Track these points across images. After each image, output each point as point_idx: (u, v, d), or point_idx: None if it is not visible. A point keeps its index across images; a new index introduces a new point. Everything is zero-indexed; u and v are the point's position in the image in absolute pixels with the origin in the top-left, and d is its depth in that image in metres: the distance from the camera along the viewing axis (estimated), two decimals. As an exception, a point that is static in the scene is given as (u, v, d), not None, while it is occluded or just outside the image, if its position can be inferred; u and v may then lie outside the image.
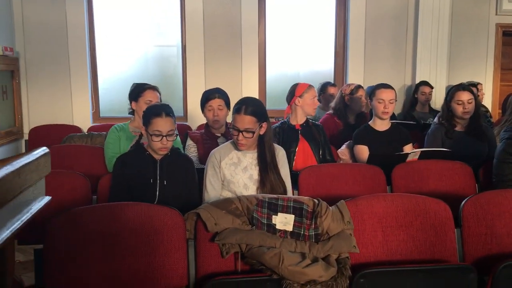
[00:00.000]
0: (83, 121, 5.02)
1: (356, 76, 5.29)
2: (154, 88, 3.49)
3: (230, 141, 2.86)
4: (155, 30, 5.31)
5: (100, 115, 5.22)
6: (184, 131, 4.81)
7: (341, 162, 3.81)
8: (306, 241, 2.15)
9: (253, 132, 2.66)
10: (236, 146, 2.76)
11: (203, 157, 3.43)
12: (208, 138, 3.53)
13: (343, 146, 3.86)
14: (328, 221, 2.19)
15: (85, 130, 4.89)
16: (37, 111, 4.98)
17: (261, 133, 2.74)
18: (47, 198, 1.12)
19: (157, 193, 2.68)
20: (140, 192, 2.67)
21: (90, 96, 5.10)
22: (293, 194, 2.94)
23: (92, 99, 5.15)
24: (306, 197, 2.25)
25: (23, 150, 4.86)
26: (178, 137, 3.58)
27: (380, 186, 3.04)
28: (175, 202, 2.67)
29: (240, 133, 2.65)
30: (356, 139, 3.66)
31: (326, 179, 3.02)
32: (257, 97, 5.15)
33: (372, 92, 3.71)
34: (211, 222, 2.14)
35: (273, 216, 2.17)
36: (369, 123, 3.73)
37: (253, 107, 2.69)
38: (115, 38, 5.24)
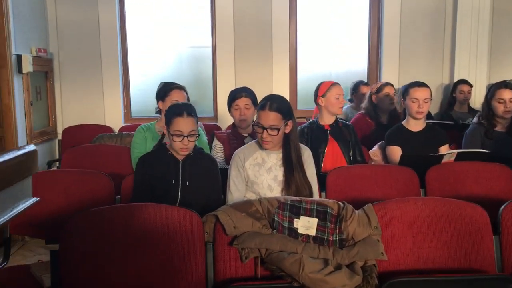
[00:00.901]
0: (115, 121, 5.02)
1: (390, 75, 5.08)
2: (181, 88, 3.42)
3: (255, 140, 2.75)
4: (188, 31, 5.26)
5: (132, 115, 5.21)
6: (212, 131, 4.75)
7: (372, 163, 3.64)
8: (329, 246, 2.01)
9: (278, 130, 2.55)
10: (261, 145, 2.64)
11: (229, 157, 3.32)
12: (235, 138, 3.43)
13: (375, 147, 3.69)
14: (353, 226, 2.04)
15: (116, 130, 4.88)
16: (70, 111, 5.01)
17: (287, 131, 2.62)
18: (33, 200, 1.02)
19: (179, 194, 2.60)
20: (162, 193, 2.59)
21: (121, 96, 5.10)
22: (320, 196, 2.80)
23: (124, 100, 5.14)
24: (330, 200, 2.11)
25: (57, 150, 4.90)
26: (205, 137, 3.50)
27: (413, 189, 2.86)
28: (197, 203, 2.59)
29: (265, 130, 2.54)
30: (389, 139, 3.48)
31: (356, 181, 2.87)
32: (287, 97, 5.03)
33: (405, 90, 3.52)
34: (230, 225, 2.03)
35: (295, 220, 2.05)
36: (402, 123, 3.54)
37: (278, 103, 2.57)
38: (147, 39, 5.22)
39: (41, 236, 2.89)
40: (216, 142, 3.45)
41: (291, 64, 5.17)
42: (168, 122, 2.57)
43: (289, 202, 2.09)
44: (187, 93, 3.48)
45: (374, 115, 4.17)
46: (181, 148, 2.56)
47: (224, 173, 2.77)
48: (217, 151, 3.41)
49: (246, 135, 3.44)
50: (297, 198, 2.12)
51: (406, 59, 5.13)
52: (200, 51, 5.26)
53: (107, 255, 2.03)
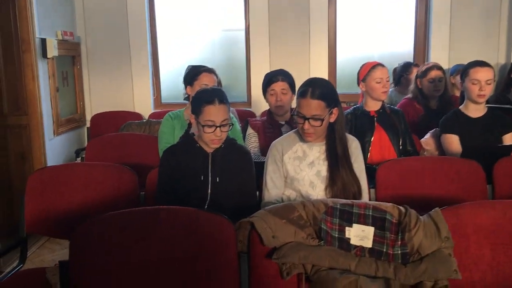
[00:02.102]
0: (144, 107, 4.70)
1: (439, 55, 4.56)
2: (210, 71, 3.05)
3: (294, 130, 2.36)
4: (220, 13, 4.85)
5: (162, 101, 4.88)
6: (247, 118, 4.38)
7: (425, 153, 3.19)
8: (390, 262, 1.61)
9: (322, 120, 2.15)
10: (301, 136, 2.25)
11: (265, 148, 2.95)
12: (271, 126, 3.04)
13: (428, 135, 3.24)
14: (419, 237, 1.63)
15: (146, 116, 4.59)
16: (99, 97, 4.72)
17: (331, 120, 2.22)
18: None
19: (209, 191, 2.24)
20: (190, 191, 2.24)
21: (151, 81, 4.76)
22: (369, 193, 2.39)
23: (154, 85, 4.80)
24: (389, 204, 1.71)
25: (85, 138, 4.63)
26: (238, 126, 3.13)
27: (478, 185, 2.41)
28: (229, 203, 2.24)
29: (306, 121, 2.15)
30: (445, 127, 3.03)
31: (410, 176, 2.44)
32: (326, 80, 4.59)
33: (464, 71, 3.04)
34: (268, 234, 1.66)
35: (347, 228, 1.65)
36: (460, 108, 3.08)
37: (321, 89, 2.17)
38: (177, 22, 4.85)
39: (58, 236, 2.60)
40: (250, 131, 3.07)
41: (330, 45, 4.71)
42: (197, 111, 2.20)
43: (339, 207, 1.70)
44: (217, 76, 3.11)
45: (422, 100, 3.69)
46: (212, 139, 2.19)
47: (259, 167, 2.39)
48: (252, 141, 3.03)
49: (283, 122, 3.05)
50: (349, 201, 1.72)
51: (457, 38, 4.58)
52: (233, 33, 4.86)
53: (121, 268, 1.69)
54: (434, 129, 3.23)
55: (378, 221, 1.66)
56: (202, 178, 2.24)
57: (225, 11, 4.85)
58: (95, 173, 2.43)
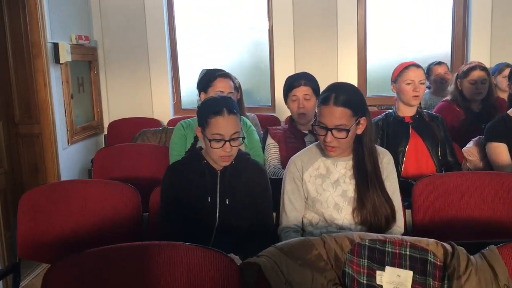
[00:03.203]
0: (164, 113, 4.42)
1: (480, 54, 4.10)
2: (226, 75, 2.72)
3: (316, 143, 2.01)
4: (242, 13, 4.53)
5: (182, 107, 4.59)
6: (270, 124, 4.03)
7: (467, 165, 2.79)
8: (434, 317, 1.25)
9: (347, 131, 1.80)
10: (324, 150, 1.90)
11: (287, 160, 2.61)
12: (293, 136, 2.70)
13: (470, 143, 2.83)
14: (472, 284, 1.26)
15: (165, 123, 4.31)
16: (117, 103, 4.46)
17: (359, 132, 1.87)
18: None
19: (217, 215, 1.92)
20: (196, 214, 1.92)
21: (170, 86, 4.47)
22: (405, 215, 2.02)
23: (173, 90, 4.52)
24: (431, 240, 1.34)
25: (103, 146, 4.38)
26: (256, 135, 2.80)
27: (537, 206, 2.01)
28: (241, 226, 1.91)
29: (329, 132, 1.80)
30: (491, 134, 2.62)
31: (453, 195, 2.06)
32: (355, 84, 4.21)
33: (512, 71, 2.63)
34: (279, 281, 1.32)
35: (378, 272, 1.30)
36: (508, 112, 2.66)
37: (346, 94, 1.82)
38: (197, 24, 4.55)
39: (52, 263, 2.31)
40: (270, 141, 2.73)
41: (359, 47, 4.31)
42: (204, 123, 1.88)
43: (367, 243, 1.34)
44: (234, 81, 2.78)
45: (462, 102, 3.27)
46: (221, 156, 1.87)
47: (278, 184, 2.06)
48: (271, 152, 2.70)
49: (306, 132, 2.70)
50: (380, 236, 1.36)
51: (500, 36, 4.11)
52: (257, 34, 4.53)
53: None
54: (478, 136, 2.82)
55: (417, 263, 1.29)
56: (209, 200, 1.92)
57: (248, 11, 4.52)
58: (93, 191, 2.14)
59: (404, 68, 2.62)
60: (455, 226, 2.01)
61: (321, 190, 1.90)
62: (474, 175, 2.08)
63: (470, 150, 2.78)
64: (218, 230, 1.91)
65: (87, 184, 2.19)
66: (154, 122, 4.27)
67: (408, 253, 1.30)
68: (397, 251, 1.31)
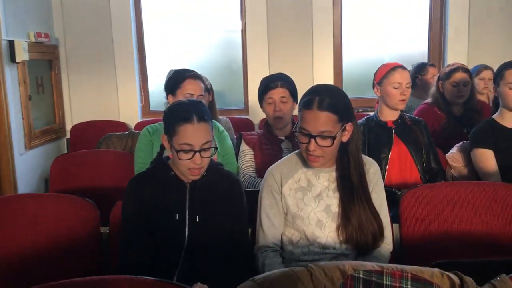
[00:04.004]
0: (131, 116, 4.14)
1: (457, 55, 3.98)
2: (196, 77, 2.48)
3: (296, 152, 1.80)
4: (215, 13, 4.29)
5: (150, 109, 4.32)
6: (244, 128, 3.82)
7: (452, 171, 2.63)
8: None
9: (333, 138, 1.60)
10: (306, 160, 1.70)
11: (262, 168, 2.40)
12: (269, 142, 2.49)
13: (454, 149, 2.68)
14: (482, 322, 1.08)
15: (133, 126, 4.05)
16: (80, 105, 4.15)
17: (344, 139, 1.67)
18: None
19: (186, 234, 1.69)
20: (162, 233, 1.69)
21: (138, 87, 4.20)
22: (392, 231, 1.83)
23: (141, 91, 4.25)
24: (435, 270, 1.14)
25: (66, 150, 4.08)
26: (229, 141, 2.58)
27: (531, 219, 1.86)
28: (213, 247, 1.69)
29: (312, 140, 1.60)
30: (477, 140, 2.47)
31: (444, 208, 1.88)
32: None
33: (498, 74, 2.49)
34: (258, 323, 1.10)
35: (375, 310, 1.10)
36: (494, 117, 2.52)
37: (331, 98, 1.62)
38: (167, 22, 4.29)
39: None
40: (244, 147, 2.51)
41: (335, 46, 4.13)
42: (170, 131, 1.65)
43: (362, 276, 1.13)
44: (204, 83, 2.55)
45: (444, 105, 3.12)
46: (190, 169, 1.65)
47: (255, 197, 1.84)
48: (246, 160, 2.48)
49: (283, 138, 2.49)
50: (376, 266, 1.16)
51: (477, 35, 4.00)
52: (229, 35, 4.30)
53: None
54: (462, 142, 2.68)
55: (420, 297, 1.10)
56: (177, 217, 1.69)
57: (220, 10, 4.29)
58: (43, 208, 1.87)
59: (390, 70, 2.44)
60: (446, 242, 1.84)
61: (302, 205, 1.70)
62: (465, 186, 1.92)
63: (454, 156, 2.63)
64: (187, 250, 1.69)
65: (37, 199, 1.92)
66: (121, 125, 3.99)
67: (409, 286, 1.10)
68: (397, 284, 1.11)
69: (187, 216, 1.69)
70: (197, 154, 1.61)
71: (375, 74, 2.55)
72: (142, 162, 2.41)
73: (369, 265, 1.15)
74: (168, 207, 1.69)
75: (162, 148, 1.80)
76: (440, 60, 4.13)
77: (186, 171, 1.66)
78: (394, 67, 2.47)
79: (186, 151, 1.61)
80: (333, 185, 1.71)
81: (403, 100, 2.43)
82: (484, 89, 3.59)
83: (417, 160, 2.46)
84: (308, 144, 1.62)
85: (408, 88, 2.45)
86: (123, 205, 1.75)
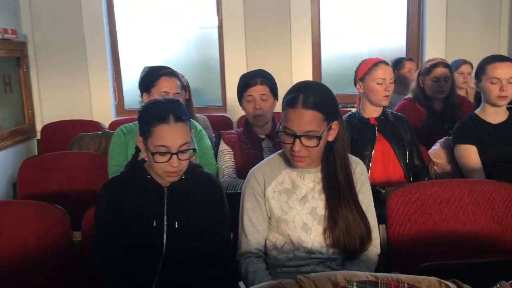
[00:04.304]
0: (104, 115, 3.99)
1: (435, 49, 3.96)
2: (172, 74, 2.37)
3: (279, 152, 1.72)
4: (190, 9, 4.16)
5: (125, 107, 4.18)
6: (222, 126, 3.72)
7: (435, 168, 2.59)
8: None
9: (319, 138, 1.52)
10: (290, 161, 1.62)
11: (243, 168, 2.31)
12: (249, 141, 2.39)
13: (437, 145, 2.63)
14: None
15: (106, 125, 3.89)
16: (51, 104, 3.98)
17: (330, 139, 1.59)
18: None
19: (164, 241, 1.59)
20: (139, 241, 1.58)
21: (111, 84, 4.05)
22: (380, 232, 1.76)
23: (115, 89, 4.10)
24: (433, 279, 1.07)
25: (36, 152, 3.90)
26: (208, 140, 2.48)
27: (519, 216, 1.81)
28: (193, 254, 1.59)
29: (297, 140, 1.52)
30: (459, 136, 2.43)
31: (431, 207, 1.82)
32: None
33: (480, 68, 2.44)
34: None
35: (370, 324, 1.02)
36: (476, 112, 2.48)
37: (316, 95, 1.54)
38: (141, 17, 4.15)
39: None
40: (223, 147, 2.41)
41: (314, 42, 4.05)
42: (146, 132, 1.55)
43: (355, 285, 1.06)
44: (180, 80, 2.44)
45: (425, 101, 3.08)
46: (167, 172, 1.54)
47: (237, 199, 1.74)
48: (225, 159, 2.38)
49: (263, 136, 2.41)
50: (370, 276, 1.08)
51: (455, 29, 3.99)
52: (206, 31, 4.18)
53: None
54: (445, 138, 2.63)
55: (417, 308, 1.02)
56: (154, 224, 1.58)
57: (196, 6, 4.17)
58: (10, 215, 1.74)
59: (373, 66, 2.38)
60: (434, 242, 1.78)
61: (286, 208, 1.61)
62: (452, 184, 1.86)
63: (437, 152, 2.58)
64: (165, 258, 1.58)
65: (1, 207, 1.78)
66: (94, 125, 3.84)
67: (405, 296, 1.03)
68: (392, 294, 1.04)
69: (165, 222, 1.59)
70: (174, 156, 1.51)
71: (356, 70, 2.49)
72: (116, 164, 2.29)
73: (362, 275, 1.08)
74: (145, 213, 1.59)
75: (137, 150, 1.69)
76: (418, 55, 4.11)
77: (163, 174, 1.56)
78: (377, 63, 2.41)
79: (162, 154, 1.51)
80: (319, 187, 1.63)
81: (387, 96, 2.38)
82: (463, 84, 3.58)
83: (401, 157, 2.41)
84: (292, 144, 1.54)
85: (391, 83, 2.40)
86: (95, 211, 1.63)
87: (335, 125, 1.58)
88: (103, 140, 3.15)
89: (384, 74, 2.37)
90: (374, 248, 1.64)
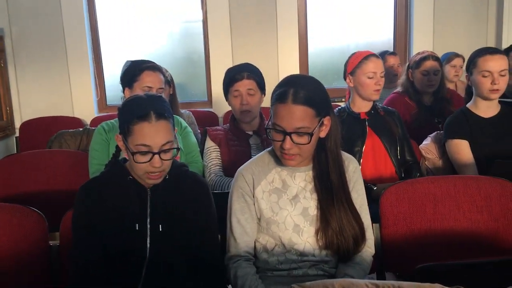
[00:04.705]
0: (86, 111, 3.86)
1: (423, 42, 3.90)
2: (155, 68, 2.26)
3: (268, 150, 1.63)
4: (175, 3, 4.03)
5: (107, 103, 4.04)
6: (208, 121, 3.61)
7: (426, 163, 2.53)
8: None
9: (310, 135, 1.43)
10: (278, 159, 1.53)
11: (230, 166, 2.22)
12: (236, 138, 2.30)
13: (428, 140, 2.57)
14: None
15: (88, 122, 3.77)
16: (30, 100, 3.84)
17: (322, 135, 1.51)
18: None
19: (148, 245, 1.49)
20: (121, 246, 1.48)
21: (92, 80, 3.91)
22: (373, 231, 1.69)
23: (96, 84, 3.96)
24: (437, 286, 1.00)
25: (15, 149, 3.76)
26: (193, 137, 2.38)
27: (515, 213, 1.75)
28: (179, 259, 1.50)
29: (287, 137, 1.43)
30: (451, 130, 2.37)
31: (426, 205, 1.75)
32: (297, 74, 3.87)
33: (471, 61, 2.38)
34: None
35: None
36: (468, 106, 2.42)
37: (307, 90, 1.45)
38: (121, 8, 4.01)
39: None
40: (209, 144, 2.31)
41: (300, 35, 3.96)
42: (125, 130, 1.44)
43: (353, 296, 0.97)
44: (164, 75, 2.34)
45: (414, 94, 3.01)
46: (148, 173, 1.44)
47: (224, 199, 1.65)
48: (212, 157, 2.28)
49: (250, 132, 2.31)
50: (369, 283, 1.00)
51: (442, 23, 3.93)
52: (190, 25, 4.07)
53: None
54: (436, 132, 2.57)
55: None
56: (137, 228, 1.48)
57: (180, 0, 4.04)
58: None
59: (363, 59, 2.30)
60: (429, 241, 1.71)
61: (277, 209, 1.53)
62: (447, 180, 1.79)
63: (428, 147, 2.52)
64: (149, 264, 1.48)
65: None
66: (75, 122, 3.71)
67: (407, 307, 0.95)
68: (393, 305, 0.96)
69: (148, 226, 1.49)
70: (156, 156, 1.41)
71: (346, 64, 2.41)
72: (97, 163, 2.18)
73: (362, 284, 1.00)
74: (126, 216, 1.48)
75: (118, 149, 1.58)
76: (405, 48, 4.04)
77: (144, 176, 1.45)
78: (367, 56, 2.33)
79: (143, 153, 1.41)
80: (310, 186, 1.54)
81: (378, 90, 2.31)
82: (454, 77, 3.53)
83: (392, 153, 2.34)
84: (282, 142, 1.45)
85: (382, 77, 2.33)
86: (73, 216, 1.52)
87: (327, 120, 1.50)
88: (84, 137, 3.02)
89: (375, 67, 2.30)
90: (369, 249, 1.57)
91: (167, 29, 4.08)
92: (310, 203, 1.53)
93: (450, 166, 2.42)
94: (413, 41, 3.97)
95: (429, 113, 2.94)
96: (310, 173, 1.55)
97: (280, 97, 1.44)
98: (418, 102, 2.99)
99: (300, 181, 1.55)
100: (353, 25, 4.12)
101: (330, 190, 1.52)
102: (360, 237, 1.52)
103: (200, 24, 3.99)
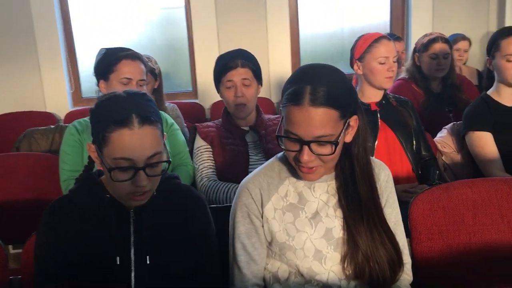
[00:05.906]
0: (59, 105, 3.45)
1: (421, 25, 3.58)
2: (134, 57, 1.89)
3: (278, 156, 1.29)
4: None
5: (82, 96, 3.63)
6: (194, 114, 3.25)
7: (443, 158, 2.23)
8: None
9: (335, 144, 1.09)
10: (297, 172, 1.18)
11: (224, 169, 1.87)
12: (230, 135, 1.95)
13: (443, 132, 2.27)
14: None
15: (62, 117, 3.37)
16: (-2, 95, 3.43)
17: (348, 139, 1.17)
18: None
19: (133, 282, 1.14)
20: (98, 283, 1.13)
21: (65, 70, 3.49)
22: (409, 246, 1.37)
23: (70, 75, 3.55)
24: None
25: (-19, 150, 3.33)
26: (181, 135, 2.03)
27: None
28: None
29: (305, 148, 1.08)
30: (473, 121, 2.07)
31: (464, 214, 1.44)
32: (289, 63, 3.52)
33: (493, 44, 2.07)
34: None
35: None
36: (489, 93, 2.13)
37: (328, 86, 1.09)
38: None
39: None
40: (200, 143, 1.96)
41: (291, 18, 3.59)
42: (100, 139, 1.08)
43: None
44: (146, 64, 1.96)
45: (422, 81, 2.70)
46: (130, 194, 1.09)
47: (224, 214, 1.31)
48: (203, 158, 1.93)
49: (247, 128, 1.97)
50: None
51: (441, 4, 3.61)
52: (169, 12, 3.67)
53: None
54: (452, 123, 2.27)
55: None
56: (118, 261, 1.13)
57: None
58: None
59: (373, 42, 1.97)
60: (470, 259, 1.41)
61: (293, 232, 1.19)
62: (487, 184, 1.48)
63: (444, 140, 2.22)
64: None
65: None
66: (48, 117, 3.31)
67: None
68: None
69: (132, 258, 1.14)
70: (141, 172, 1.06)
71: (353, 48, 2.07)
72: (69, 169, 1.83)
73: None
74: (104, 246, 1.13)
75: (91, 160, 1.22)
76: (403, 31, 3.72)
77: (126, 196, 1.10)
78: (378, 39, 2.00)
79: (123, 169, 1.05)
80: (334, 200, 1.21)
81: (391, 77, 1.98)
82: (458, 61, 3.22)
83: (407, 148, 2.04)
84: (299, 153, 1.11)
85: (395, 62, 2.00)
86: (36, 246, 1.17)
87: (353, 121, 1.16)
88: (57, 135, 2.63)
89: (387, 51, 1.97)
90: (407, 276, 1.25)
91: (144, 16, 3.68)
92: (334, 222, 1.20)
93: (470, 161, 2.13)
94: (411, 23, 3.64)
95: (439, 101, 2.63)
96: (333, 183, 1.22)
97: (293, 98, 1.09)
98: (426, 88, 2.68)
99: (321, 194, 1.21)
100: (346, 7, 3.76)
101: (358, 206, 1.19)
102: (397, 262, 1.20)
103: (182, 10, 3.59)
